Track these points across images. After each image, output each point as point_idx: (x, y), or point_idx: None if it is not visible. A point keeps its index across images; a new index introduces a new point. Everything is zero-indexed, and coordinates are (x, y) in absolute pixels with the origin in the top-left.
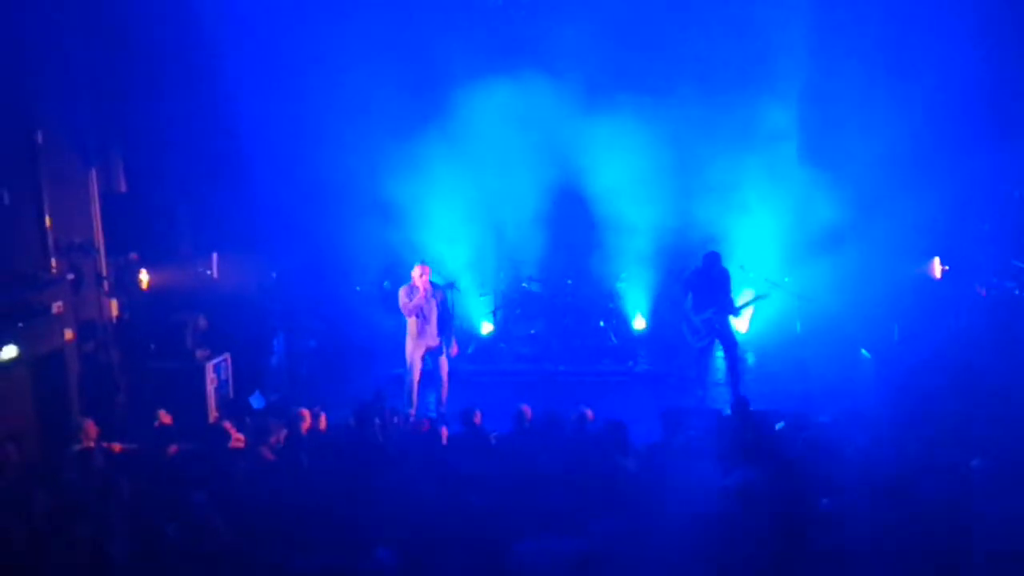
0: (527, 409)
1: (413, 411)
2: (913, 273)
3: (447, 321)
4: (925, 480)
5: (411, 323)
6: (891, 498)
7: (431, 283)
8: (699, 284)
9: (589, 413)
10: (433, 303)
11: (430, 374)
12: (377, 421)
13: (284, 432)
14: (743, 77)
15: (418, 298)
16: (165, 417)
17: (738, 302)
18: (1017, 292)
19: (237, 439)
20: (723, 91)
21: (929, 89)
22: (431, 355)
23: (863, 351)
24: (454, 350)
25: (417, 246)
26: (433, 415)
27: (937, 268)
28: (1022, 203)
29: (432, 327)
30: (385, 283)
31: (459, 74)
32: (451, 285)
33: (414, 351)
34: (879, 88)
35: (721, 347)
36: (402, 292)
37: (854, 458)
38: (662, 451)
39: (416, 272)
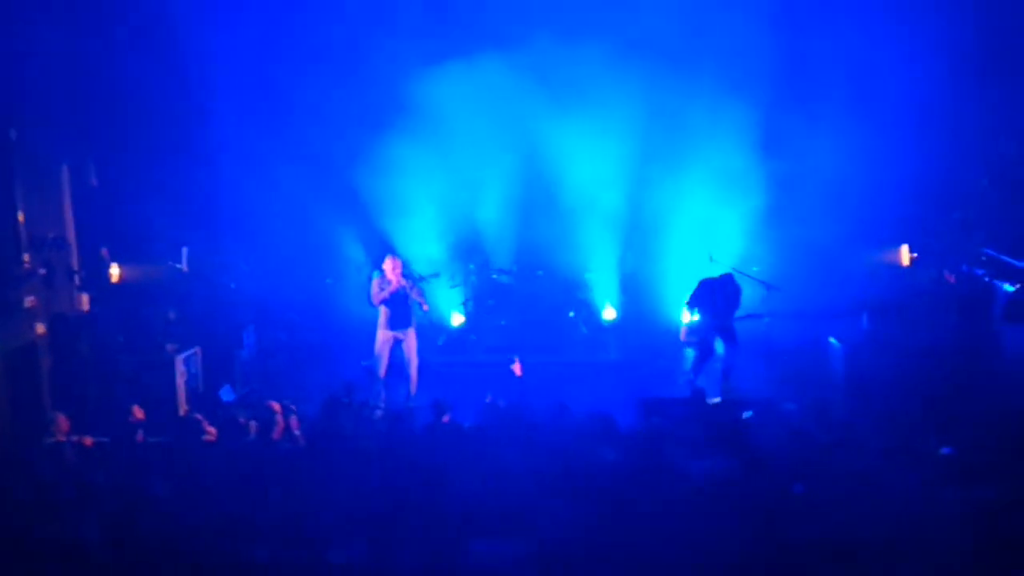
0: (497, 401)
1: (382, 403)
2: (882, 261)
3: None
4: (893, 468)
5: (382, 313)
6: (859, 486)
7: (403, 275)
8: (706, 294)
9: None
10: (408, 293)
11: (400, 366)
12: (346, 413)
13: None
14: (709, 66)
15: (390, 289)
16: (138, 412)
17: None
18: (986, 280)
19: (209, 432)
20: (690, 80)
21: (897, 78)
22: (400, 346)
23: (832, 339)
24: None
25: (387, 239)
26: (404, 407)
27: (906, 256)
28: (990, 191)
29: (403, 318)
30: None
31: (425, 64)
32: (436, 275)
33: (383, 342)
34: (847, 76)
35: (723, 345)
36: (375, 283)
37: (821, 446)
38: (637, 439)
39: (388, 265)
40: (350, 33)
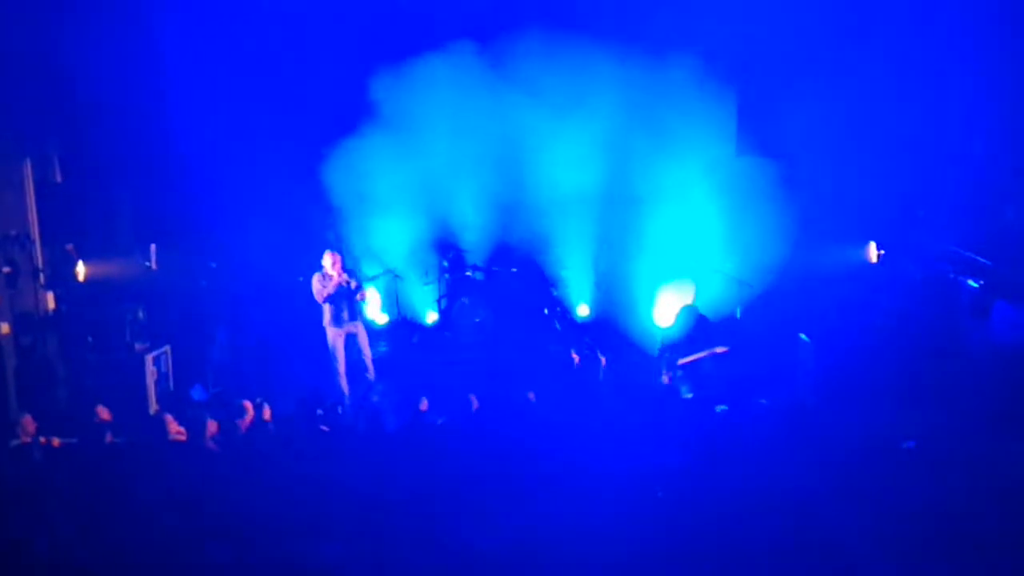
0: (473, 398)
1: (347, 400)
2: (850, 257)
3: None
4: (862, 461)
5: (326, 310)
6: (828, 478)
7: (344, 270)
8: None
9: (531, 395)
10: (351, 289)
11: (359, 363)
12: (320, 412)
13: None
14: (683, 64)
15: (333, 284)
16: (103, 413)
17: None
18: (952, 275)
19: (178, 432)
20: (663, 79)
21: (866, 76)
22: (354, 340)
23: (802, 335)
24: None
25: (358, 236)
26: (371, 402)
27: (873, 252)
28: (956, 188)
29: (350, 312)
30: (300, 277)
31: (395, 58)
32: (390, 272)
33: (335, 338)
34: (817, 75)
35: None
36: (315, 279)
37: (792, 440)
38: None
39: (328, 260)
40: (318, 27)
